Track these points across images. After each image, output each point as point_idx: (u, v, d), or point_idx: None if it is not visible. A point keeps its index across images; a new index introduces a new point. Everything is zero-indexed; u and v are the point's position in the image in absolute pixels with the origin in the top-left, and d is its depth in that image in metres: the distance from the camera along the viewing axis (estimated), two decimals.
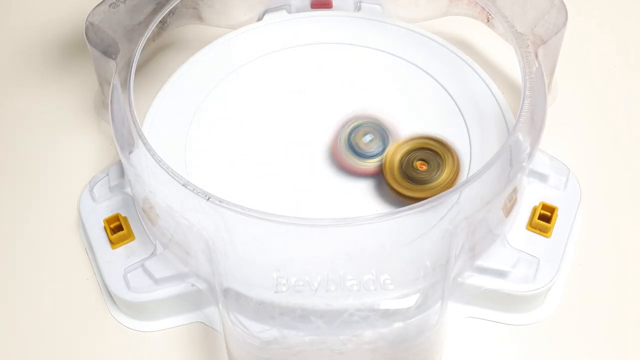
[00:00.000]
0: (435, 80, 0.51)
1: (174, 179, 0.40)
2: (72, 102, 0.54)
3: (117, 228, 0.45)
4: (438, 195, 0.39)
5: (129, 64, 0.46)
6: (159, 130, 0.49)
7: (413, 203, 0.39)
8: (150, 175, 0.41)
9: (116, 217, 0.45)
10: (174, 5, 0.50)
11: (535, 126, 0.43)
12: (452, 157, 0.46)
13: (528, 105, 0.43)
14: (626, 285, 0.45)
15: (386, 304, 0.38)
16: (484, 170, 0.41)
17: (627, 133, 0.52)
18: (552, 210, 0.45)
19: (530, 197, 0.46)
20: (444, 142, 0.47)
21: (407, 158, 0.46)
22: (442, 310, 0.38)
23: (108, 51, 0.47)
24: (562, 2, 0.47)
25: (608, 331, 0.44)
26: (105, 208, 0.46)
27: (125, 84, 0.45)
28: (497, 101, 0.49)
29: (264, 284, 0.39)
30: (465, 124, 0.49)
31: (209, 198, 0.40)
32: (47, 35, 0.58)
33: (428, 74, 0.51)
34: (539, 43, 0.46)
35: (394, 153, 0.46)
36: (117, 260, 0.44)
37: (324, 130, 0.49)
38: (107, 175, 0.47)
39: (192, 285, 0.43)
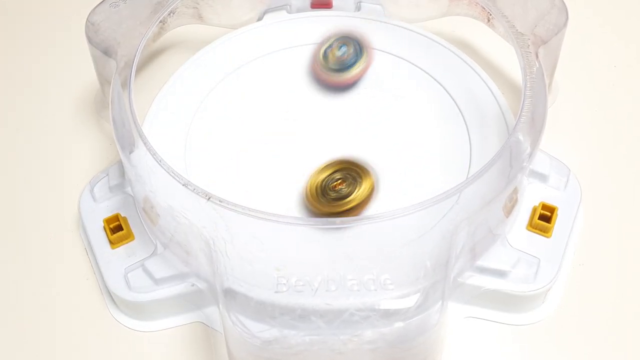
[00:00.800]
0: (435, 80, 0.51)
1: (175, 178, 0.40)
2: (72, 102, 0.54)
3: (116, 228, 0.45)
4: (438, 195, 0.39)
5: (129, 64, 0.46)
6: (159, 130, 0.48)
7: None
8: (151, 175, 0.41)
9: (116, 217, 0.45)
10: (174, 5, 0.50)
11: (536, 126, 0.43)
12: (369, 174, 0.45)
13: (528, 105, 0.43)
14: (626, 285, 0.45)
15: (386, 304, 0.38)
16: (484, 170, 0.41)
17: (627, 133, 0.52)
18: (552, 210, 0.45)
19: (531, 197, 0.46)
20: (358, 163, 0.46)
21: (325, 182, 0.45)
22: (443, 310, 0.38)
23: (108, 51, 0.47)
24: (563, 2, 0.47)
25: (608, 331, 0.44)
26: (105, 208, 0.46)
27: (125, 83, 0.45)
28: (497, 101, 0.49)
29: (264, 284, 0.39)
30: (466, 124, 0.48)
31: (209, 198, 0.40)
32: (48, 35, 0.58)
33: (428, 74, 0.51)
34: (540, 43, 0.46)
35: (315, 178, 0.45)
36: (117, 260, 0.44)
37: (324, 130, 0.49)
38: (107, 175, 0.47)
39: (193, 285, 0.43)
